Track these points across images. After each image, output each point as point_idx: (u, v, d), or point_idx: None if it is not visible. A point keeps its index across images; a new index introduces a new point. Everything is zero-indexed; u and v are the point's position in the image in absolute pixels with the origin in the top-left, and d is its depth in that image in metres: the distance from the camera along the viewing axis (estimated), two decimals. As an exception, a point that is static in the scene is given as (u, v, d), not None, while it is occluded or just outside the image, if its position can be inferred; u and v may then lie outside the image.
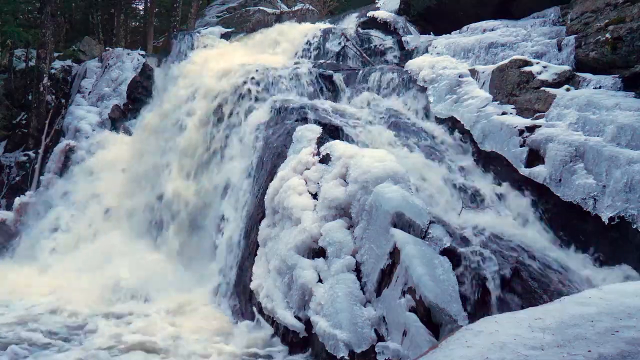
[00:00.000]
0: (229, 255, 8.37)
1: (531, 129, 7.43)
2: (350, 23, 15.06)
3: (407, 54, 12.24)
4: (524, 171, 7.26)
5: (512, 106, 8.19)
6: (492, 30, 10.65)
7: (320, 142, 7.90)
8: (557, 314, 2.96)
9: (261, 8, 17.37)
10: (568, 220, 6.62)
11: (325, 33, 13.87)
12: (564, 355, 2.47)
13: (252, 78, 10.65)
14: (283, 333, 6.34)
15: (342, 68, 11.93)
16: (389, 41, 13.25)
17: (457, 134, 8.74)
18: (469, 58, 10.18)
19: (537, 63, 8.43)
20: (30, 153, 13.19)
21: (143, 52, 15.72)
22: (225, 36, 15.67)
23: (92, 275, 8.92)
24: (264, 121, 9.51)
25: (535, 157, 7.22)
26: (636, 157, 6.10)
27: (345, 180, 6.80)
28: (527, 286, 5.36)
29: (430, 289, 5.00)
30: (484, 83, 9.00)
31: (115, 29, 20.99)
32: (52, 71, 14.59)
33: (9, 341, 6.47)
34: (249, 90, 10.46)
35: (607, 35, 7.63)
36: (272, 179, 7.80)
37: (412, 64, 10.41)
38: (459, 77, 9.33)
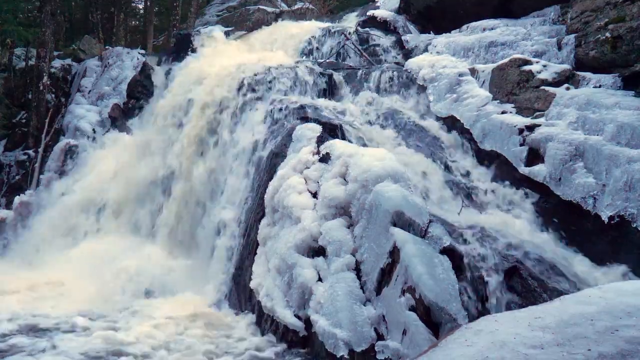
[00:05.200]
0: (229, 255, 8.37)
1: (531, 128, 7.43)
2: (350, 22, 15.07)
3: (407, 53, 12.24)
4: (523, 170, 7.26)
5: (512, 105, 8.19)
6: (492, 29, 10.65)
7: (320, 141, 7.90)
8: (556, 313, 2.96)
9: (261, 7, 17.34)
10: (568, 219, 6.62)
11: (325, 32, 13.86)
12: (563, 354, 2.47)
13: (252, 77, 10.64)
14: (283, 332, 6.34)
15: (342, 67, 11.92)
16: (388, 40, 13.24)
17: (456, 132, 8.73)
18: (468, 57, 10.18)
19: (537, 62, 8.43)
20: (30, 152, 13.17)
21: (143, 51, 15.70)
22: (225, 35, 15.64)
23: (91, 274, 8.92)
24: (264, 120, 9.51)
25: (535, 156, 7.22)
26: (636, 156, 6.10)
27: (345, 179, 6.80)
28: (526, 285, 5.37)
29: (429, 288, 5.00)
30: (483, 82, 9.00)
31: (115, 28, 20.99)
32: (52, 70, 14.56)
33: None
34: (249, 89, 10.45)
35: (607, 34, 7.63)
36: (271, 178, 7.80)
37: (412, 63, 10.41)
38: (459, 76, 9.33)
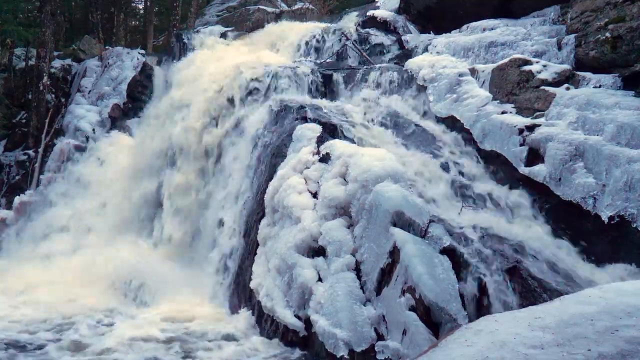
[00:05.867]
0: (229, 255, 8.37)
1: (531, 128, 7.43)
2: (350, 22, 15.04)
3: (406, 53, 12.23)
4: (523, 170, 7.26)
5: (512, 105, 8.19)
6: (492, 29, 10.64)
7: (320, 141, 7.90)
8: (556, 313, 2.95)
9: (261, 7, 17.35)
10: (568, 219, 6.62)
11: (325, 32, 13.87)
12: (563, 354, 2.46)
13: (252, 77, 10.64)
14: (283, 332, 6.34)
15: (342, 67, 11.92)
16: (388, 40, 13.25)
17: (456, 133, 8.73)
18: (468, 57, 10.17)
19: (537, 62, 8.42)
20: (30, 152, 13.18)
21: (143, 51, 15.72)
22: (225, 35, 15.65)
23: (90, 274, 8.92)
24: (264, 120, 9.50)
25: (535, 156, 7.22)
26: (636, 156, 6.10)
27: (345, 179, 6.80)
28: (526, 285, 5.36)
29: (429, 288, 5.00)
30: (483, 82, 8.99)
31: (115, 28, 21.00)
32: (52, 70, 14.57)
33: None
34: (249, 90, 10.45)
35: (607, 34, 7.63)
36: (272, 178, 7.80)
37: (411, 63, 10.41)
38: (459, 76, 9.32)
